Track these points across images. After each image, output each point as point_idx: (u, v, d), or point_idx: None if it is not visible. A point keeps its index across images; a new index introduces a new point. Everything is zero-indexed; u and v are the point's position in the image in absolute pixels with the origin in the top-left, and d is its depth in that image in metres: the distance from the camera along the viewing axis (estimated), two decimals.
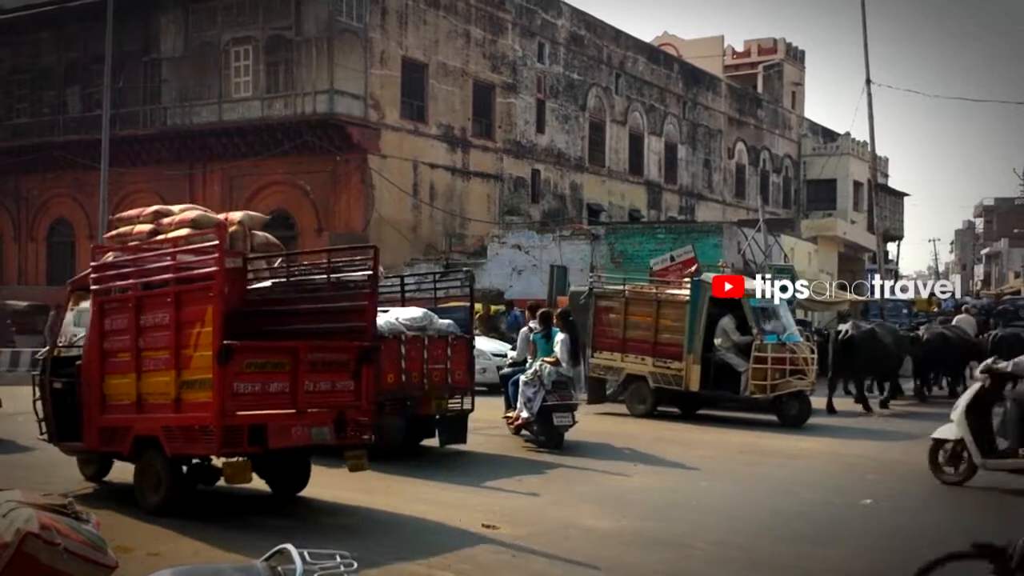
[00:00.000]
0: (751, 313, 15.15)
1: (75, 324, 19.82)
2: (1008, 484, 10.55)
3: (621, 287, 16.76)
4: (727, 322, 15.29)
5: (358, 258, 9.64)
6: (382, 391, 10.73)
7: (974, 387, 10.13)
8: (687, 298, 15.60)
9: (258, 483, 9.84)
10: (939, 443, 10.07)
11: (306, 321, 8.93)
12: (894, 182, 63.98)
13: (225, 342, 7.56)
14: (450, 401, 11.67)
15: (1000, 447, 9.68)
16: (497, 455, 11.76)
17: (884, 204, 51.65)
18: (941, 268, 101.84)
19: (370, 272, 8.71)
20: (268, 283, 9.71)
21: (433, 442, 11.94)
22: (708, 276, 16.08)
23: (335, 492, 9.37)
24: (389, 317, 11.42)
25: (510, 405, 12.85)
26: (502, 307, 25.27)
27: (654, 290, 16.73)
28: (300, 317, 9.03)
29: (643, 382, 15.93)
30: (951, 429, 9.90)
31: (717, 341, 15.35)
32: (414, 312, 11.67)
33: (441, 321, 11.75)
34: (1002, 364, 9.74)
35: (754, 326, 15.05)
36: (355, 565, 3.73)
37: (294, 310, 9.20)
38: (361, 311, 8.74)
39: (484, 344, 19.74)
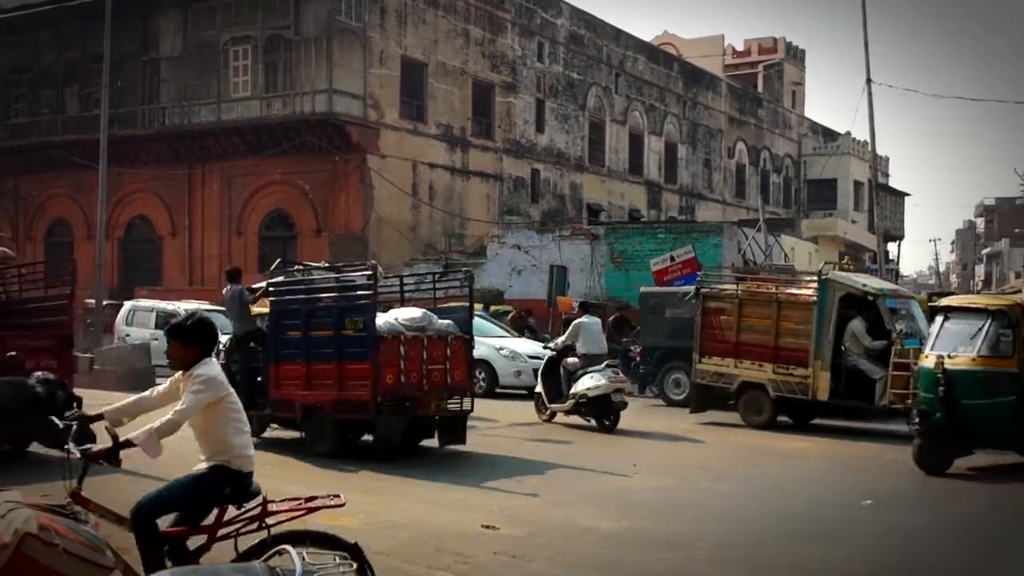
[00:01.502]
0: (887, 315, 14.08)
1: (125, 324, 21.01)
2: (1008, 483, 10.55)
3: (734, 286, 15.63)
4: (857, 325, 14.21)
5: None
6: (381, 391, 10.82)
7: (546, 357, 15.17)
8: (813, 298, 14.41)
9: (261, 482, 9.81)
10: (537, 395, 14.97)
11: None
12: (895, 182, 64.04)
13: None
14: (450, 401, 11.63)
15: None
16: (497, 455, 11.74)
17: (884, 204, 51.65)
18: (942, 268, 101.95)
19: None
20: None
21: (433, 442, 11.92)
22: (837, 274, 15.07)
23: (332, 491, 9.35)
24: (388, 317, 11.46)
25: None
26: (505, 308, 25.05)
27: (774, 290, 15.29)
28: None
29: (761, 390, 14.78)
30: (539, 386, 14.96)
31: (847, 345, 14.25)
32: (413, 312, 11.71)
33: (441, 321, 11.74)
34: (551, 344, 15.54)
35: (892, 329, 13.88)
36: (354, 566, 3.72)
37: None
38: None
39: (519, 346, 19.38)
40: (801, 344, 14.34)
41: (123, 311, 23.15)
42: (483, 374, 18.20)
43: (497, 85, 35.48)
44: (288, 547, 3.69)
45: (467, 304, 12.21)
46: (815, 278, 14.90)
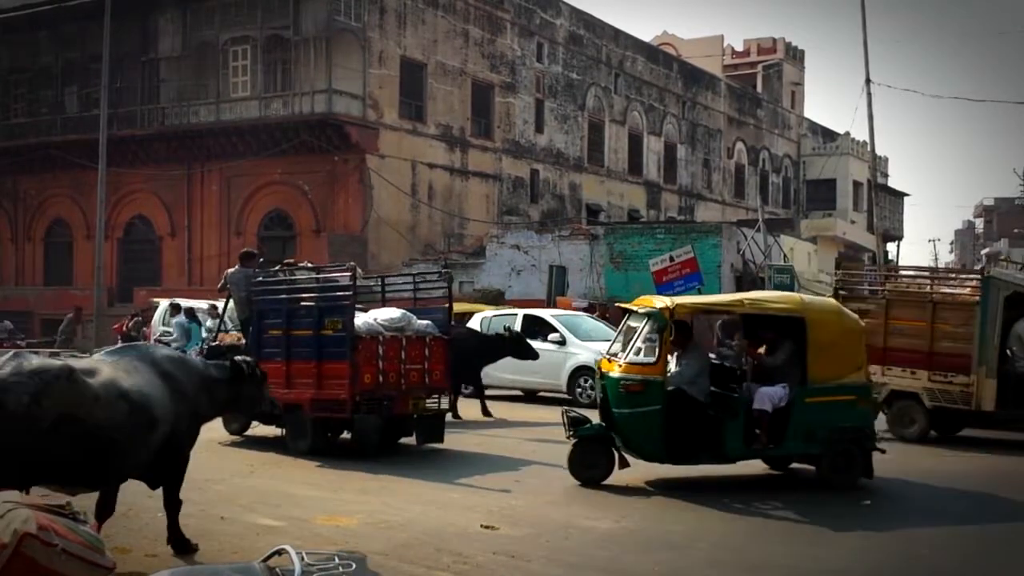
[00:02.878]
0: None
1: (162, 323, 21.74)
2: (1008, 483, 10.55)
3: (879, 286, 14.52)
4: None
5: None
6: (359, 391, 11.04)
7: None
8: (975, 299, 13.10)
9: (260, 482, 9.82)
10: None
11: None
12: (894, 182, 64.02)
13: None
14: (428, 401, 11.81)
15: None
16: (497, 455, 11.73)
17: (884, 204, 51.68)
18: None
19: None
20: None
21: (438, 444, 11.93)
22: (1002, 272, 14.02)
23: (333, 493, 9.36)
24: (368, 317, 11.66)
25: None
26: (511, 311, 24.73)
27: (927, 290, 13.98)
28: None
29: (914, 400, 13.48)
30: None
31: (1013, 349, 13.18)
32: (392, 313, 11.90)
33: (419, 322, 11.90)
34: None
35: None
36: (353, 566, 3.72)
37: None
38: None
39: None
40: (961, 349, 13.02)
41: (160, 309, 22.36)
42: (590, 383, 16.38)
43: (496, 85, 35.48)
44: (288, 547, 3.69)
45: (447, 305, 12.46)
46: (974, 277, 13.88)
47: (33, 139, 34.33)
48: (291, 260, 14.98)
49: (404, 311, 11.93)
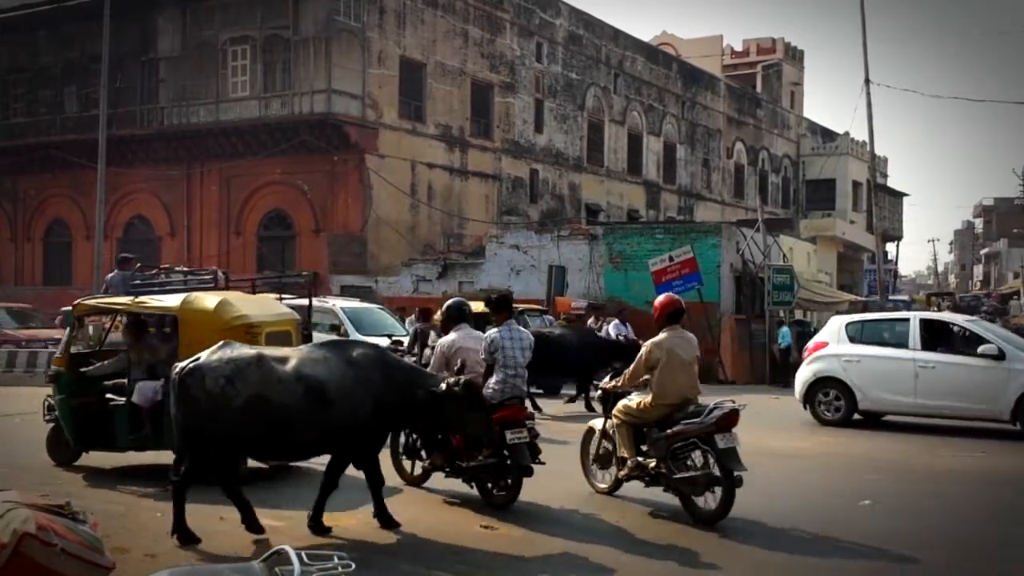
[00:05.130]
0: None
1: None
2: (1007, 484, 10.55)
3: None
4: None
5: None
6: None
7: None
8: None
9: (259, 482, 9.82)
10: None
11: None
12: (893, 182, 64.10)
13: None
14: None
15: None
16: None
17: (883, 204, 51.68)
18: (940, 268, 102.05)
19: None
20: None
21: None
22: None
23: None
24: None
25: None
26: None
27: None
28: None
29: None
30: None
31: None
32: None
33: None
34: None
35: None
36: (352, 566, 3.72)
37: None
38: None
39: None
40: None
41: None
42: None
43: (496, 85, 35.48)
44: (287, 547, 3.69)
45: (307, 303, 13.08)
46: None
47: (32, 139, 34.34)
48: (168, 265, 16.35)
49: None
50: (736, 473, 8.10)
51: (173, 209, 32.71)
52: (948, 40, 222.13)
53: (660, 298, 9.02)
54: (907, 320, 15.08)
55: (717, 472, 8.14)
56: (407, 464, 9.59)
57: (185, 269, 14.54)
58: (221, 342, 7.67)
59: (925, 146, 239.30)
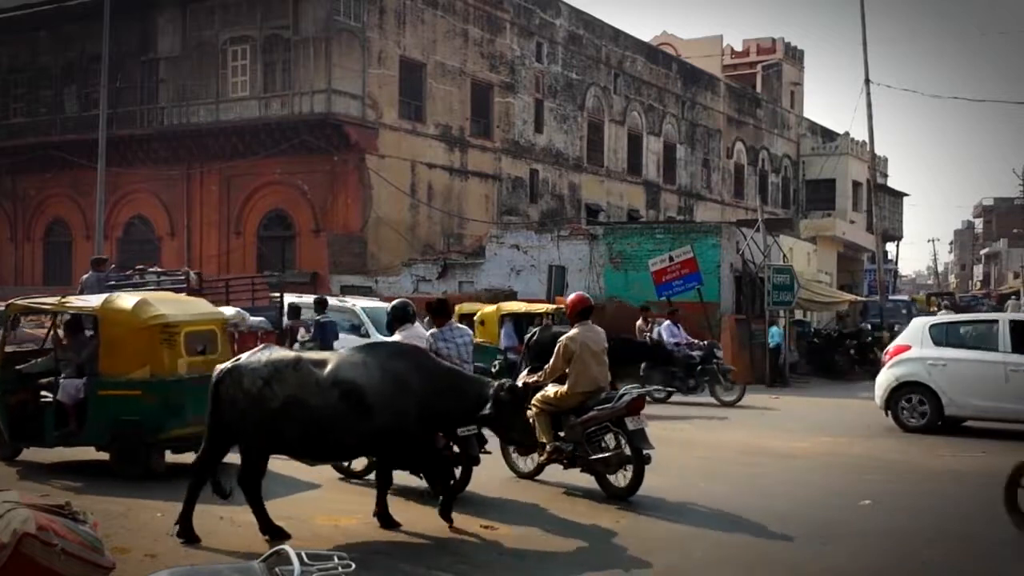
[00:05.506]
0: None
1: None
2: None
3: None
4: None
5: None
6: None
7: None
8: None
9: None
10: None
11: None
12: (893, 182, 64.04)
13: None
14: None
15: None
16: (498, 455, 11.72)
17: (883, 204, 51.63)
18: (940, 268, 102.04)
19: None
20: None
21: None
22: None
23: (331, 493, 9.36)
24: None
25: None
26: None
27: None
28: None
29: None
30: None
31: None
32: (226, 311, 13.43)
33: (253, 319, 14.10)
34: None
35: None
36: (352, 566, 3.72)
37: None
38: None
39: None
40: None
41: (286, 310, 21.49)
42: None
43: (496, 85, 35.47)
44: (287, 547, 3.69)
45: (279, 304, 14.47)
46: None
47: (32, 139, 34.33)
48: (142, 265, 17.09)
49: (239, 309, 13.68)
50: (645, 452, 8.96)
51: (173, 209, 32.71)
52: (948, 40, 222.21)
53: (571, 296, 9.80)
54: (995, 322, 14.54)
55: (628, 452, 9.03)
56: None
57: (159, 270, 15.51)
58: (262, 344, 7.93)
59: (925, 146, 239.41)
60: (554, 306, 20.44)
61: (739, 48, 58.52)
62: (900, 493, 9.87)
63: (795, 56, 59.06)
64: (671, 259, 24.31)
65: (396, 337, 9.05)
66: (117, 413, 9.90)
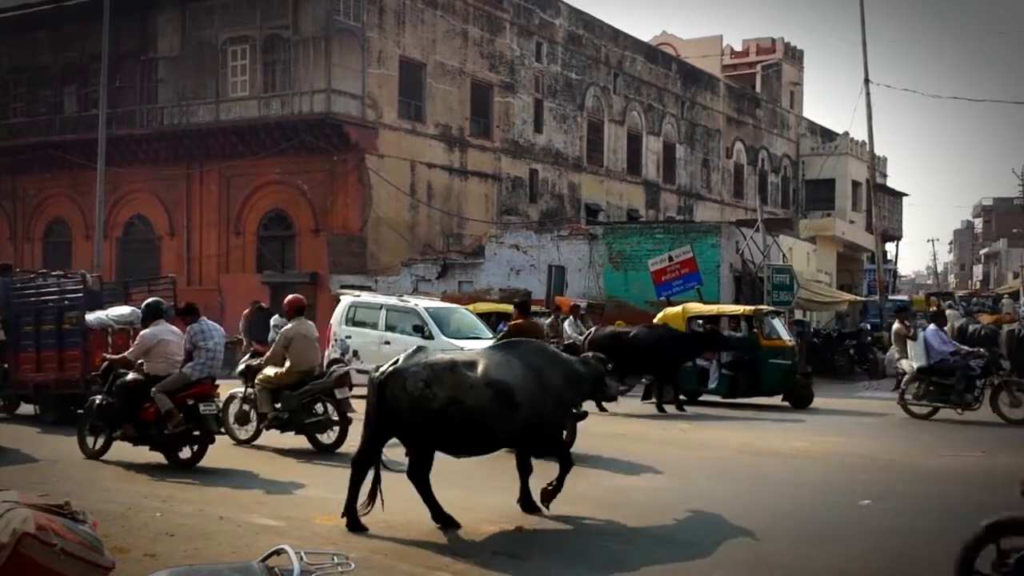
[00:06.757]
0: None
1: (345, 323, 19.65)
2: (1007, 483, 10.54)
3: None
4: None
5: None
6: (90, 371, 13.13)
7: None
8: None
9: (259, 483, 9.83)
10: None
11: None
12: (893, 182, 64.03)
13: None
14: None
15: None
16: (498, 455, 11.71)
17: (883, 204, 51.66)
18: (940, 268, 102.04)
19: None
20: None
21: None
22: None
23: (333, 493, 9.35)
24: (101, 314, 14.79)
25: None
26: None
27: None
28: None
29: None
30: None
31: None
32: (123, 310, 15.07)
33: None
34: None
35: None
36: (352, 566, 3.71)
37: None
38: None
39: None
40: None
41: (341, 308, 19.35)
42: None
43: (495, 85, 35.47)
44: (287, 547, 3.68)
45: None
46: None
47: (32, 139, 34.33)
48: (45, 270, 18.29)
49: (134, 308, 14.57)
50: (348, 415, 11.47)
51: (173, 209, 32.71)
52: (948, 40, 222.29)
53: (289, 298, 12.18)
54: None
55: (335, 416, 11.64)
56: (90, 440, 11.06)
57: (59, 273, 16.73)
58: (414, 347, 8.53)
59: (925, 146, 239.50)
60: (751, 308, 19.35)
61: (739, 48, 58.51)
62: (900, 493, 9.86)
63: (795, 56, 59.06)
64: (671, 259, 24.35)
65: (150, 331, 10.76)
66: None
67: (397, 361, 7.92)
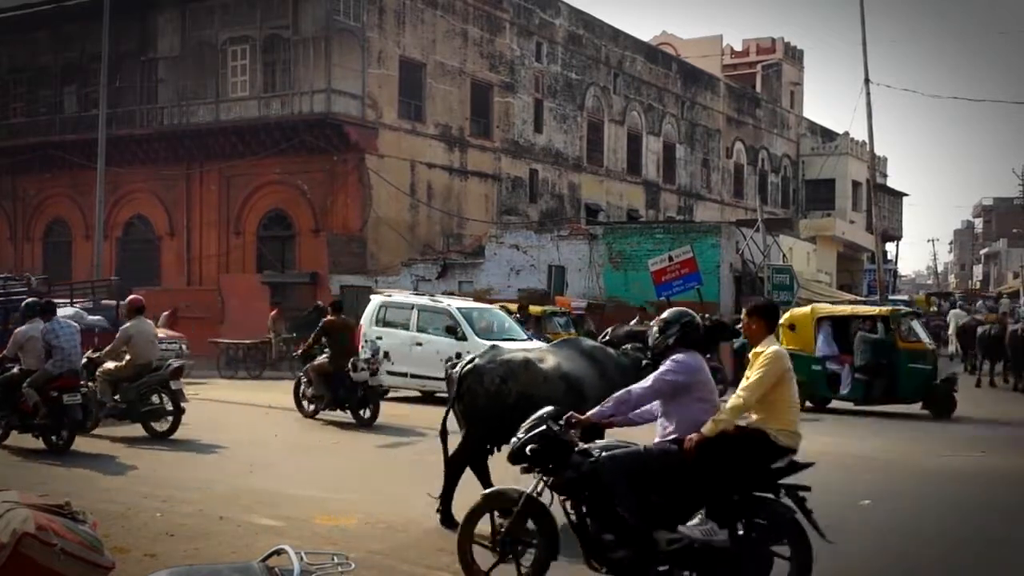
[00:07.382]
0: None
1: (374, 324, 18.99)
2: (1007, 483, 10.55)
3: None
4: None
5: None
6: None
7: None
8: None
9: (259, 483, 9.83)
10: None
11: None
12: (893, 182, 64.08)
13: None
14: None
15: None
16: (498, 455, 11.71)
17: (883, 204, 51.68)
18: (940, 268, 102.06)
19: None
20: None
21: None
22: None
23: (333, 493, 9.35)
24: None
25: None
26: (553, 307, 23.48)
27: None
28: None
29: None
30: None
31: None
32: (68, 311, 15.89)
33: (91, 317, 17.08)
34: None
35: None
36: (352, 566, 3.71)
37: None
38: None
39: None
40: None
41: (371, 308, 18.59)
42: None
43: (495, 85, 35.47)
44: (287, 547, 3.68)
45: (115, 305, 16.68)
46: None
47: (32, 139, 34.33)
48: None
49: (79, 309, 15.78)
50: (182, 404, 12.52)
51: (173, 209, 32.71)
52: (948, 40, 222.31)
53: (129, 298, 13.63)
54: None
55: (170, 407, 12.57)
56: None
57: (5, 276, 17.67)
58: (489, 344, 8.93)
59: (925, 146, 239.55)
60: (888, 308, 18.26)
61: (739, 48, 58.53)
62: (900, 493, 9.86)
63: (795, 56, 59.06)
64: (671, 259, 24.33)
65: (21, 329, 11.77)
66: None
67: (474, 359, 8.24)
